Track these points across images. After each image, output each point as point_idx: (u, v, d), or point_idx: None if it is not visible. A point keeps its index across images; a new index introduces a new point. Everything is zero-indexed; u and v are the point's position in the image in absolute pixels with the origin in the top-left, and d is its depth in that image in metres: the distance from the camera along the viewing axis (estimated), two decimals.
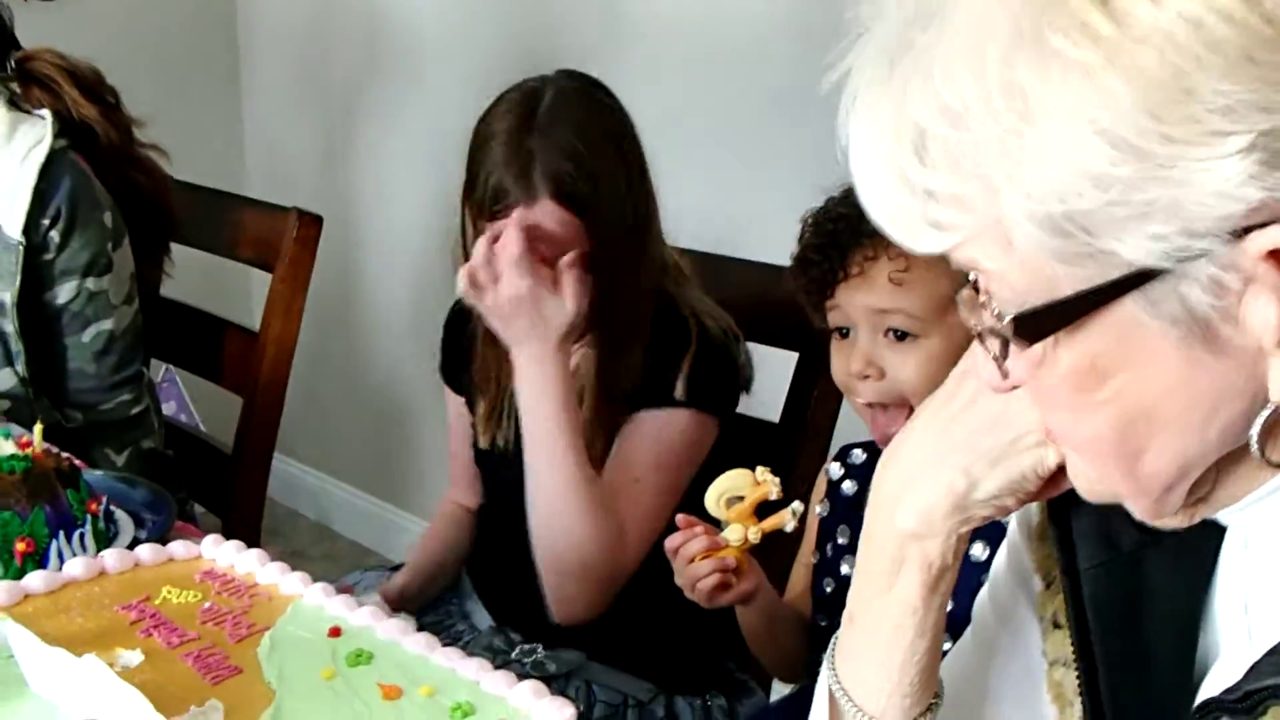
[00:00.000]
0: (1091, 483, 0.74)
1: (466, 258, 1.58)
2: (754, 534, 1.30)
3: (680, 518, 1.36)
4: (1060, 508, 0.86)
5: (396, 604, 1.68)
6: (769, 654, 1.50)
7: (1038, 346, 0.67)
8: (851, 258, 1.29)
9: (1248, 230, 0.58)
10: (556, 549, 1.57)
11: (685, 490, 1.59)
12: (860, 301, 1.30)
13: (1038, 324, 0.65)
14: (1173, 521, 0.73)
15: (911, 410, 1.30)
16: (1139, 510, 0.72)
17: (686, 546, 1.33)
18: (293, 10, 3.36)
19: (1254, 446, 0.65)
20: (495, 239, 1.52)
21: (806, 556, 1.49)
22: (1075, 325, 0.64)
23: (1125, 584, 0.84)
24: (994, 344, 0.70)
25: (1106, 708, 0.84)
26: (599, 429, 1.60)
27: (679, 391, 1.59)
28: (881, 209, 0.68)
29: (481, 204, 1.57)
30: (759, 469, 1.30)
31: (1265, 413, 0.64)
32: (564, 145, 1.54)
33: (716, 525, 1.33)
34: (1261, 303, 0.60)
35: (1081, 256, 0.62)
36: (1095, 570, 0.85)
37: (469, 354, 1.71)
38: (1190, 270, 0.60)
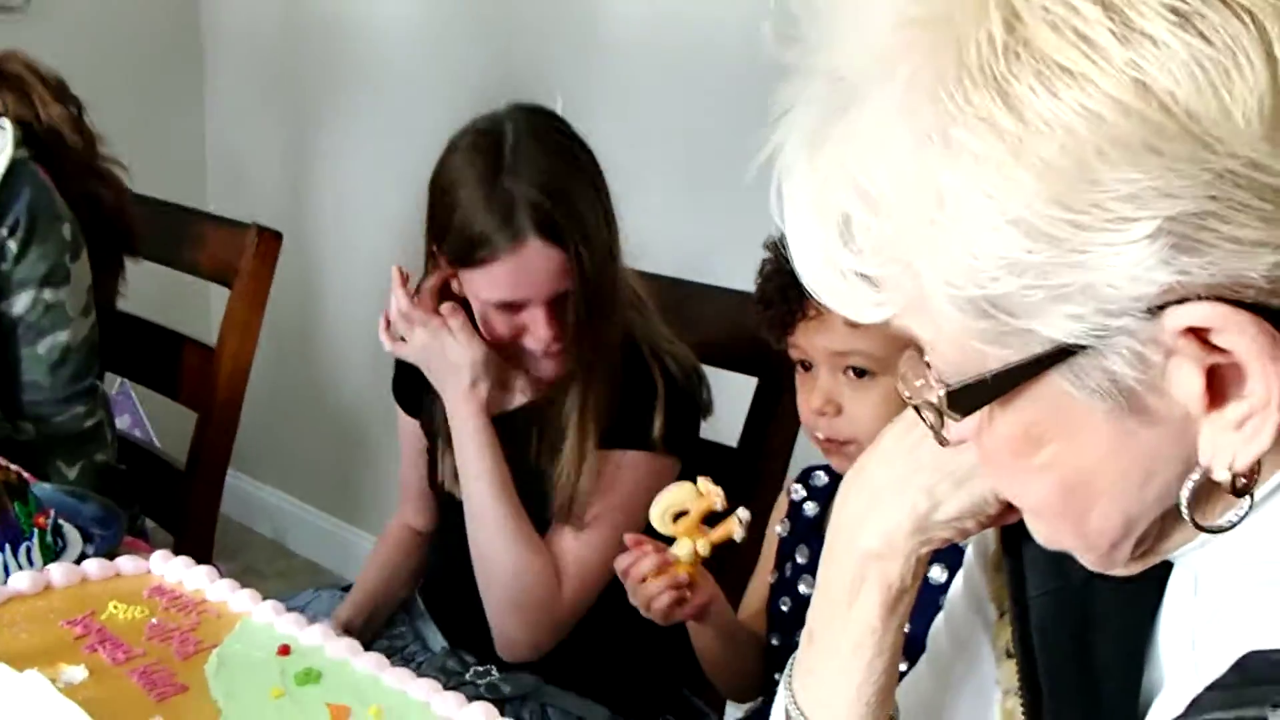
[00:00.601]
0: (1043, 535, 0.75)
1: (435, 295, 1.61)
2: (703, 546, 1.30)
3: (628, 537, 1.36)
4: (1013, 537, 0.87)
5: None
6: (723, 673, 1.49)
7: (974, 416, 0.68)
8: (809, 299, 1.29)
9: (1163, 307, 0.60)
10: (490, 587, 1.60)
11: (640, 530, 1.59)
12: (819, 343, 1.31)
13: (968, 398, 0.67)
14: (1122, 571, 0.74)
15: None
16: (1089, 562, 0.74)
17: (636, 566, 1.33)
18: (257, 24, 3.35)
19: (1184, 511, 0.66)
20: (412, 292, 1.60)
21: (764, 575, 1.49)
22: (1005, 399, 0.66)
23: (1073, 613, 0.84)
24: (929, 415, 0.72)
25: None
26: (577, 469, 1.59)
27: (642, 436, 1.58)
28: (817, 286, 0.70)
29: (460, 254, 1.56)
30: (700, 480, 1.30)
31: (1194, 477, 0.65)
32: (540, 180, 1.53)
33: (666, 542, 1.33)
34: (1184, 373, 0.61)
35: (1004, 335, 0.63)
36: (1044, 598, 0.86)
37: (421, 376, 1.69)
38: (1112, 345, 0.61)
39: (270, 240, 2.05)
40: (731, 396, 1.76)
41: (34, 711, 0.97)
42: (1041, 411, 0.66)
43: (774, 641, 1.45)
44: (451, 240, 1.56)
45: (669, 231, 2.36)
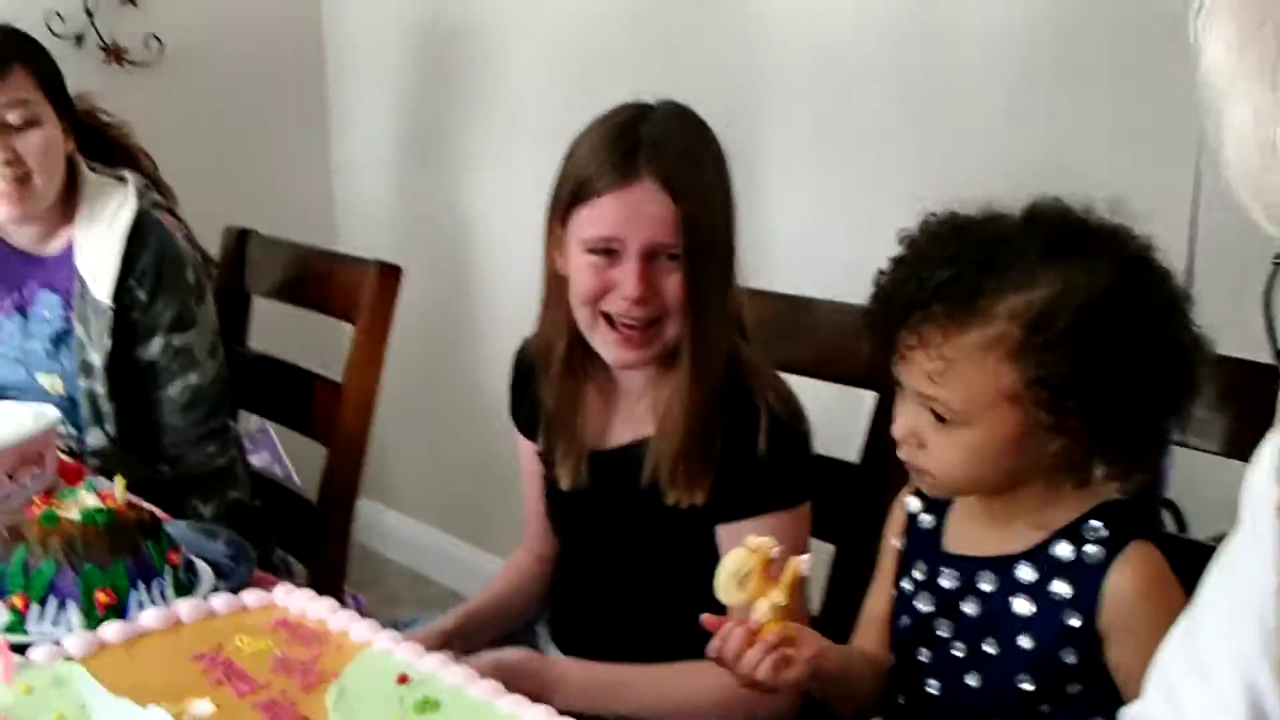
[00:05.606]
0: None
1: (551, 271, 1.58)
2: (778, 595, 1.25)
3: (705, 618, 1.30)
4: None
5: (437, 647, 1.62)
6: (840, 703, 1.45)
7: None
8: (900, 338, 1.26)
9: None
10: None
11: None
12: (905, 377, 1.28)
13: None
14: None
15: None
16: None
17: (726, 645, 1.27)
18: (382, 70, 3.42)
19: None
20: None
21: (885, 588, 1.44)
22: None
23: None
24: None
25: None
26: (693, 462, 1.55)
27: (767, 497, 1.54)
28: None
29: (572, 195, 1.52)
30: (746, 539, 1.26)
31: None
32: (668, 138, 1.51)
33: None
34: None
35: None
36: None
37: (536, 398, 1.69)
38: None
39: (390, 275, 2.08)
40: (852, 411, 1.74)
41: None
42: None
43: (893, 658, 1.41)
44: (564, 186, 1.54)
45: (782, 246, 2.35)
